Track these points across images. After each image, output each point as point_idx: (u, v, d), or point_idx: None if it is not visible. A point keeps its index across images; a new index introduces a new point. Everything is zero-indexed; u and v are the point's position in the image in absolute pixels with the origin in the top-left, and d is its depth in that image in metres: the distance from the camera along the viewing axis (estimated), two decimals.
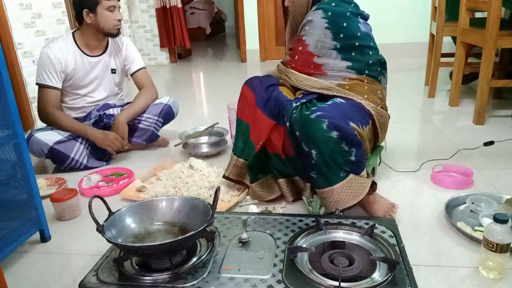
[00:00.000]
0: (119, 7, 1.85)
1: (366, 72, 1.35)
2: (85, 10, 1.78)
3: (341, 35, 1.32)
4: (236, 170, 1.44)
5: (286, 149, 1.34)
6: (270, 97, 1.36)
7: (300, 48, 1.36)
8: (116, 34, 1.88)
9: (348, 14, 1.32)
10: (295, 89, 1.41)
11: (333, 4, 1.32)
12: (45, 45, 1.85)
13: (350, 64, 1.33)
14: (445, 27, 2.61)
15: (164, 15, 4.46)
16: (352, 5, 1.38)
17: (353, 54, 1.33)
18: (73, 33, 1.89)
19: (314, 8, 1.35)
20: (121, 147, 1.85)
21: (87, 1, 1.77)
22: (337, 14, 1.31)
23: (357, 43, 1.33)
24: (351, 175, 1.21)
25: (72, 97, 1.92)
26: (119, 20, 1.84)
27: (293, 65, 1.38)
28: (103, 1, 1.76)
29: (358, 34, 1.34)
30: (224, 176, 1.46)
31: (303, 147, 1.21)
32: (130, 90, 2.27)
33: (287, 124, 1.28)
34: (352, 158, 1.19)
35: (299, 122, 1.22)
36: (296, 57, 1.37)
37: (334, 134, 1.16)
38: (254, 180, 1.41)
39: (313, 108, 1.21)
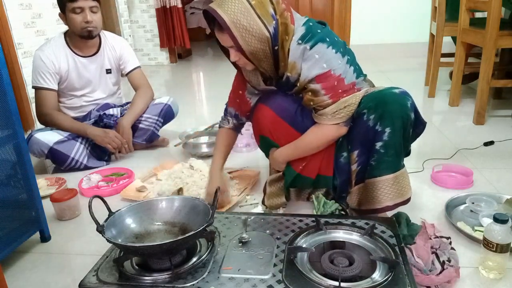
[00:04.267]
0: (92, 7, 1.76)
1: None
2: (60, 12, 1.78)
3: (344, 51, 1.17)
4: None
5: (324, 169, 1.27)
6: (301, 112, 1.24)
7: (336, 82, 1.14)
8: (87, 36, 1.80)
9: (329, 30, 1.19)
10: None
11: (318, 31, 1.15)
12: (38, 47, 1.85)
13: (363, 77, 1.22)
14: (445, 27, 2.61)
15: (164, 15, 4.46)
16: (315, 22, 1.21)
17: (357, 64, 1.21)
18: (64, 34, 1.88)
19: (300, 44, 1.13)
20: (121, 145, 1.86)
21: (59, 4, 1.77)
22: (331, 34, 1.17)
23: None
24: (405, 168, 1.15)
25: (69, 98, 1.92)
26: (87, 22, 1.75)
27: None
28: (67, 3, 1.72)
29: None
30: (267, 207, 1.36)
31: (375, 127, 1.11)
32: (129, 90, 2.26)
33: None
34: (410, 147, 1.15)
35: (377, 97, 1.11)
36: (341, 91, 1.14)
37: (412, 115, 1.10)
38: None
39: (387, 87, 1.13)
